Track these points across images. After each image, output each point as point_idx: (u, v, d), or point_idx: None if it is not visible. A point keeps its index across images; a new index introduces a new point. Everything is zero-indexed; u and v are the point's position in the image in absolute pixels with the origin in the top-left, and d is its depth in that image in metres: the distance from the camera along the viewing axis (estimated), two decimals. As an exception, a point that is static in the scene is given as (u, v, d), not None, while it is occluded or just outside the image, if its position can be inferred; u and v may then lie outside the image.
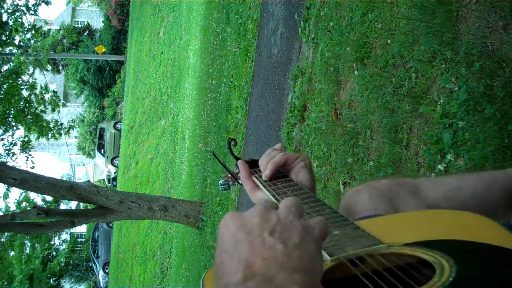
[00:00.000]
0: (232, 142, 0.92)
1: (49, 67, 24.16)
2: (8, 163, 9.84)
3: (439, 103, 2.00)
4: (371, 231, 0.56)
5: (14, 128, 10.71)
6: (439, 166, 1.93)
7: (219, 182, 0.94)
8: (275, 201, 0.70)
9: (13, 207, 14.58)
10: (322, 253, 0.46)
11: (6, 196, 14.33)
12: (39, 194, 12.75)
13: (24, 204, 14.31)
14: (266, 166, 0.78)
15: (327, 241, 0.53)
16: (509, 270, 0.44)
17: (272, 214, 0.47)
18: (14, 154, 11.16)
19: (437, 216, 0.61)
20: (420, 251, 0.50)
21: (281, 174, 0.78)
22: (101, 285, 16.84)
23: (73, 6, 35.15)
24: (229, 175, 0.93)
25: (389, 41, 2.44)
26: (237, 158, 0.88)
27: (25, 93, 10.72)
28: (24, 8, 11.88)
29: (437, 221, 0.59)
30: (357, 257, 0.51)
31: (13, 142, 11.19)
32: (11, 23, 11.75)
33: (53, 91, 12.52)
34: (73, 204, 22.34)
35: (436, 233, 0.54)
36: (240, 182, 0.86)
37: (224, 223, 0.49)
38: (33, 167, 10.77)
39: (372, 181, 0.87)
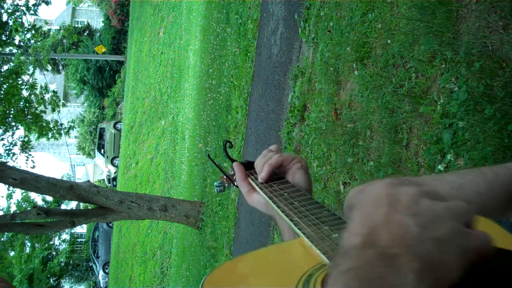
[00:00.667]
0: (228, 144, 0.91)
1: (49, 67, 24.16)
2: (8, 163, 9.84)
3: (439, 103, 2.00)
4: None
5: (14, 128, 10.72)
6: (439, 166, 1.93)
7: (215, 184, 0.93)
8: (271, 203, 0.69)
9: (13, 207, 14.59)
10: (461, 267, 0.40)
11: (9, 196, 14.35)
12: (39, 194, 12.75)
13: (24, 204, 14.32)
14: (262, 168, 0.78)
15: (326, 244, 0.52)
16: (508, 271, 0.44)
17: (428, 201, 0.43)
18: (14, 154, 11.16)
19: None
20: None
21: (277, 176, 0.77)
22: (101, 285, 16.84)
23: (73, 6, 35.15)
24: (224, 177, 0.93)
25: (389, 41, 2.44)
26: (232, 160, 0.87)
27: (25, 93, 10.73)
28: (24, 8, 11.88)
29: None
30: None
31: (13, 142, 11.19)
32: (11, 23, 11.75)
33: (53, 91, 12.53)
34: (73, 204, 22.35)
35: None
36: (236, 184, 0.86)
37: (376, 184, 0.47)
38: (33, 167, 10.78)
39: (376, 180, 0.87)
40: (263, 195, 0.74)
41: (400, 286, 0.37)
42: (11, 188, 13.22)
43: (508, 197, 0.83)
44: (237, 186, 0.85)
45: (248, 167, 0.83)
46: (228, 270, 0.58)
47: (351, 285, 0.37)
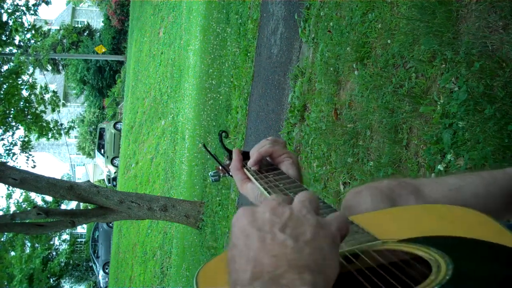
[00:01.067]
0: (223, 134, 0.92)
1: (49, 67, 24.16)
2: (8, 163, 9.84)
3: (439, 103, 2.00)
4: (366, 226, 0.55)
5: (14, 128, 10.72)
6: (439, 166, 1.93)
7: (210, 173, 0.94)
8: (266, 194, 0.69)
9: (12, 207, 14.58)
10: (337, 254, 0.43)
11: (9, 196, 14.35)
12: (38, 194, 12.76)
13: (24, 204, 14.31)
14: (253, 156, 0.79)
15: None
16: (506, 267, 0.44)
17: (284, 209, 0.45)
18: (14, 154, 11.16)
19: (434, 211, 0.61)
20: (415, 247, 0.49)
21: (273, 167, 0.78)
22: (101, 285, 16.84)
23: (73, 6, 35.15)
24: (220, 167, 0.93)
25: (389, 41, 2.44)
26: (228, 150, 0.87)
27: (25, 93, 10.73)
28: (24, 8, 11.88)
29: (433, 217, 0.58)
30: (352, 253, 0.50)
31: (13, 142, 11.19)
32: (11, 23, 11.75)
33: (53, 91, 12.53)
34: (73, 204, 22.36)
35: (432, 229, 0.53)
36: (230, 173, 0.85)
37: (236, 217, 0.47)
38: (34, 167, 10.79)
39: (374, 182, 0.87)
40: (258, 185, 0.74)
41: None
42: (10, 188, 13.22)
43: (506, 200, 0.83)
44: (231, 175, 0.85)
45: (245, 158, 0.83)
46: (222, 261, 0.59)
47: None
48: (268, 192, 0.69)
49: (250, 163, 0.78)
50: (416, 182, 0.87)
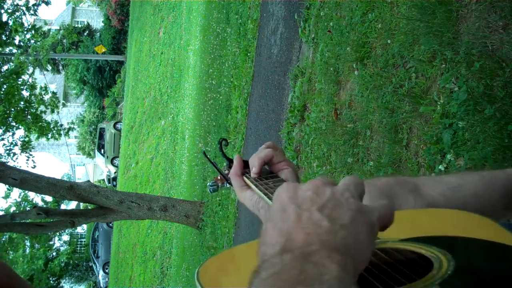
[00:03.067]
0: (224, 142, 0.91)
1: (49, 67, 24.17)
2: (8, 163, 9.84)
3: (439, 103, 2.00)
4: None
5: (15, 128, 10.72)
6: (439, 166, 1.93)
7: (208, 183, 0.94)
8: (267, 199, 0.70)
9: (12, 207, 14.57)
10: (372, 243, 0.43)
11: (7, 196, 14.34)
12: (38, 194, 12.76)
13: (24, 204, 14.30)
14: (254, 163, 0.79)
15: None
16: (504, 263, 0.45)
17: (327, 189, 0.45)
18: (14, 154, 11.16)
19: (434, 214, 0.61)
20: (417, 246, 0.50)
21: (272, 174, 0.79)
22: (101, 285, 16.84)
23: (73, 6, 35.15)
24: (218, 177, 0.93)
25: (389, 41, 2.44)
26: (228, 159, 0.87)
27: (25, 93, 10.73)
28: (24, 8, 11.88)
29: (433, 219, 0.59)
30: None
31: (14, 142, 11.20)
32: (11, 23, 11.74)
33: (53, 92, 12.53)
34: (73, 204, 22.35)
35: (432, 229, 0.54)
36: (229, 182, 0.86)
37: (278, 191, 0.47)
38: (34, 167, 10.79)
39: (373, 179, 0.87)
40: (258, 191, 0.74)
41: (322, 277, 0.37)
42: (8, 188, 13.21)
43: (507, 200, 0.83)
44: (230, 184, 0.85)
45: (245, 166, 0.83)
46: (223, 259, 0.59)
47: None
48: (269, 197, 0.69)
49: (254, 171, 0.78)
50: (415, 180, 0.86)
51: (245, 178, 0.81)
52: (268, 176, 0.77)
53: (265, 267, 0.40)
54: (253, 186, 0.77)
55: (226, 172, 0.88)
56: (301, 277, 0.37)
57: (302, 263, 0.38)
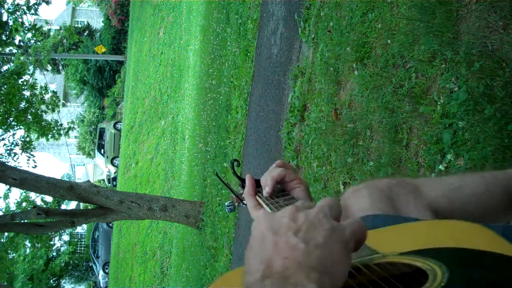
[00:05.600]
0: (235, 163, 0.93)
1: (49, 67, 24.17)
2: (9, 163, 9.84)
3: (439, 103, 2.00)
4: (368, 241, 0.56)
5: (15, 128, 10.72)
6: (439, 166, 1.93)
7: (225, 203, 0.95)
8: None
9: (13, 207, 14.55)
10: (348, 259, 0.45)
11: (6, 196, 14.32)
12: (38, 194, 12.75)
13: (24, 204, 14.28)
14: (266, 182, 0.80)
15: None
16: (497, 273, 0.46)
17: (301, 214, 0.47)
18: (15, 154, 11.16)
19: (435, 226, 0.63)
20: (414, 259, 0.51)
21: (284, 193, 0.80)
22: (101, 285, 16.84)
23: (73, 6, 35.15)
24: (234, 196, 0.94)
25: (389, 41, 2.44)
26: (240, 179, 0.89)
27: (26, 93, 10.73)
28: (24, 8, 11.88)
29: (433, 231, 0.60)
30: (353, 267, 0.52)
31: (14, 142, 11.20)
32: (11, 23, 11.74)
33: (53, 91, 12.52)
34: (73, 204, 22.34)
35: (432, 242, 0.55)
36: (244, 202, 0.87)
37: (257, 221, 0.49)
38: (35, 167, 10.79)
39: (374, 180, 0.88)
40: (269, 210, 0.76)
41: None
42: (8, 188, 13.21)
43: (507, 200, 0.83)
44: (245, 204, 0.87)
45: (257, 185, 0.85)
46: (232, 278, 0.60)
47: None
48: None
49: (266, 190, 0.79)
50: (416, 181, 0.87)
51: (257, 198, 0.82)
52: (279, 195, 0.79)
53: None
54: (264, 205, 0.78)
55: (241, 192, 0.89)
56: None
57: (282, 286, 0.40)
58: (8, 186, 9.62)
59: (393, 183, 0.85)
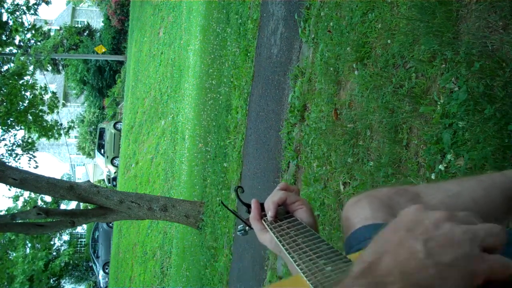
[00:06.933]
0: (239, 190, 0.95)
1: (49, 67, 24.15)
2: (10, 164, 9.84)
3: (439, 103, 2.00)
4: None
5: (17, 128, 10.72)
6: (439, 166, 1.93)
7: (238, 227, 0.97)
8: (281, 246, 0.72)
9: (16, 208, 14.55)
10: None
11: (17, 198, 14.33)
12: (38, 194, 12.76)
13: (25, 204, 14.28)
14: (268, 207, 0.81)
15: (317, 278, 0.55)
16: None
17: (447, 225, 0.41)
18: (17, 155, 11.16)
19: None
20: None
21: (288, 215, 0.82)
22: (101, 285, 16.84)
23: (73, 6, 35.14)
24: (242, 221, 0.96)
25: (389, 41, 2.44)
26: (245, 204, 0.91)
27: (27, 94, 10.73)
28: (24, 8, 11.87)
29: None
30: None
31: (15, 143, 11.19)
32: (11, 23, 11.74)
33: (52, 92, 12.52)
34: (73, 204, 22.34)
35: None
36: (252, 227, 0.89)
37: (408, 210, 0.45)
38: (36, 167, 10.80)
39: (372, 190, 0.88)
40: (272, 235, 0.77)
41: None
42: (15, 189, 13.20)
43: (507, 203, 0.83)
44: (252, 228, 0.89)
45: (262, 209, 0.87)
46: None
47: None
48: (279, 241, 0.72)
49: (269, 214, 0.81)
50: (415, 189, 0.87)
51: (263, 221, 0.84)
52: (283, 218, 0.80)
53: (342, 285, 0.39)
54: (268, 229, 0.80)
55: (247, 217, 0.91)
56: None
57: None
58: (18, 190, 9.59)
59: (392, 192, 0.86)
